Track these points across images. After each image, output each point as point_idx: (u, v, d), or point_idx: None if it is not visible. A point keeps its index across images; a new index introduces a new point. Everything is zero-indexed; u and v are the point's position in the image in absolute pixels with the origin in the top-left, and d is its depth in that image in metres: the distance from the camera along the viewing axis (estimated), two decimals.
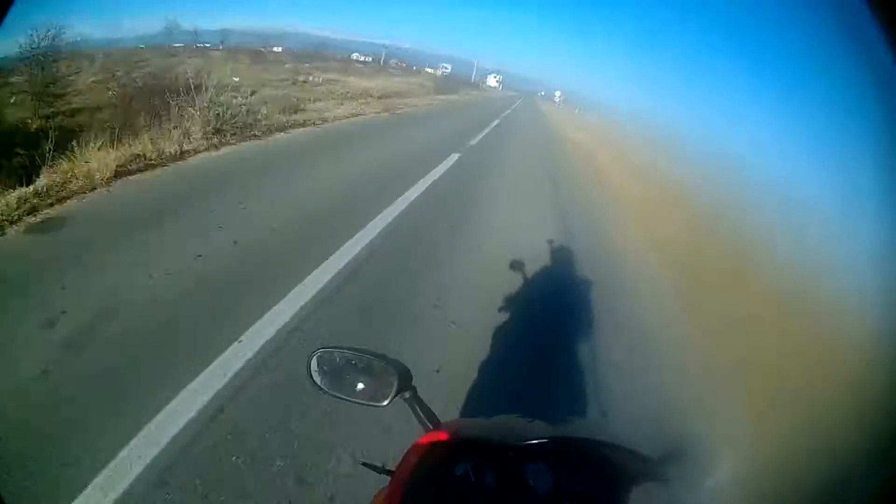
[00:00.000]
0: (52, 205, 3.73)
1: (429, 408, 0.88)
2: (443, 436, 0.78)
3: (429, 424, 0.86)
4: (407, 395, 0.86)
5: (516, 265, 3.73)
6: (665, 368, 2.74)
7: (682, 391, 2.38)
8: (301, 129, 8.12)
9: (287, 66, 17.79)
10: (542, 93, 41.34)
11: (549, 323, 3.14)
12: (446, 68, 41.41)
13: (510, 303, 3.24)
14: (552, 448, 0.71)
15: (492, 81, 41.64)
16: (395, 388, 0.84)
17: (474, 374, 2.44)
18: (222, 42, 20.18)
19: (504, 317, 3.07)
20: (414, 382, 0.88)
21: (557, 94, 32.01)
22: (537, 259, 4.16)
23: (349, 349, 0.88)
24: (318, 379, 0.88)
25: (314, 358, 0.88)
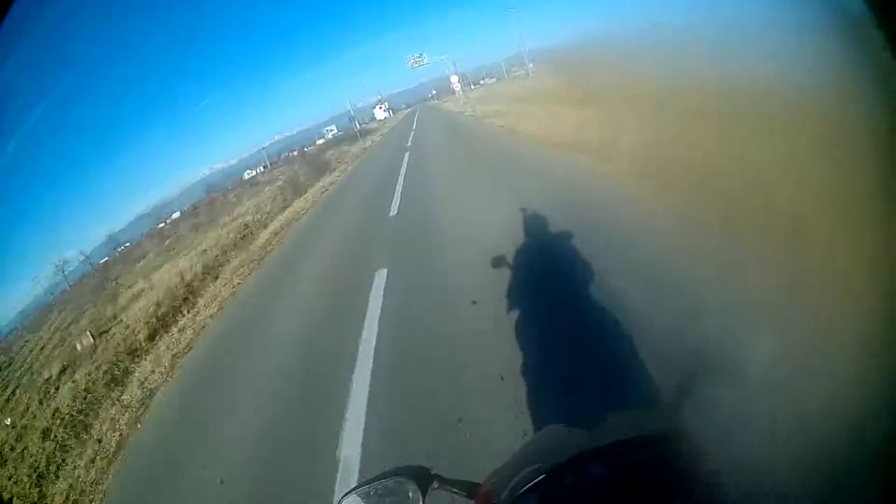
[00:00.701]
0: None
1: (459, 480, 0.92)
2: (488, 495, 0.84)
3: (464, 493, 0.90)
4: (435, 485, 0.90)
5: (498, 262, 3.72)
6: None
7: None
8: None
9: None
10: (434, 91, 35.64)
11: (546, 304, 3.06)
12: (332, 130, 37.07)
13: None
14: (594, 456, 0.78)
15: (379, 114, 36.40)
16: (419, 492, 0.88)
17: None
18: (116, 248, 20.16)
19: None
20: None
21: (454, 80, 25.71)
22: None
23: (363, 485, 0.92)
24: None
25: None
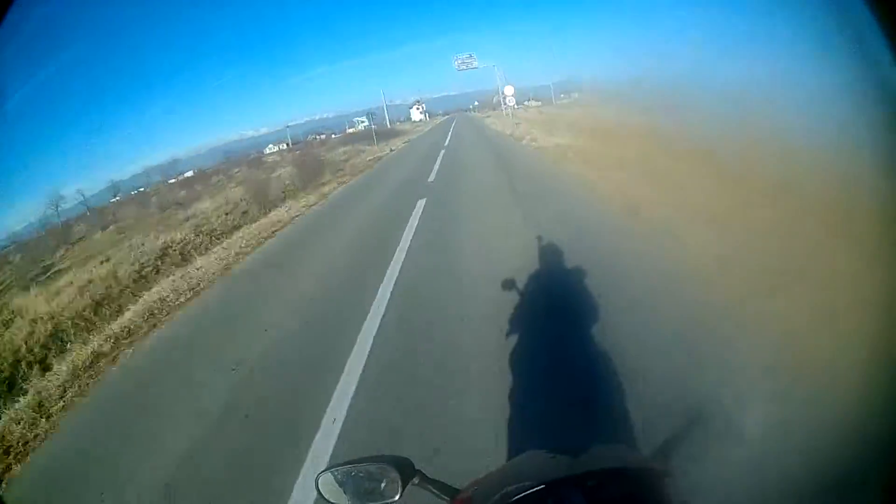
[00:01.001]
0: None
1: (441, 482, 0.91)
2: (465, 503, 0.84)
3: (446, 498, 0.89)
4: (416, 481, 0.89)
5: (508, 284, 3.53)
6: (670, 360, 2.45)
7: (690, 383, 2.22)
8: None
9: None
10: (476, 102, 31.81)
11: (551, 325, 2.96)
12: (363, 122, 33.95)
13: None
14: (575, 483, 0.76)
15: (415, 115, 32.64)
16: (400, 482, 0.87)
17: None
18: (115, 195, 18.76)
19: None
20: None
21: (508, 92, 21.25)
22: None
23: (346, 463, 0.91)
24: (329, 497, 0.90)
25: (319, 480, 0.91)
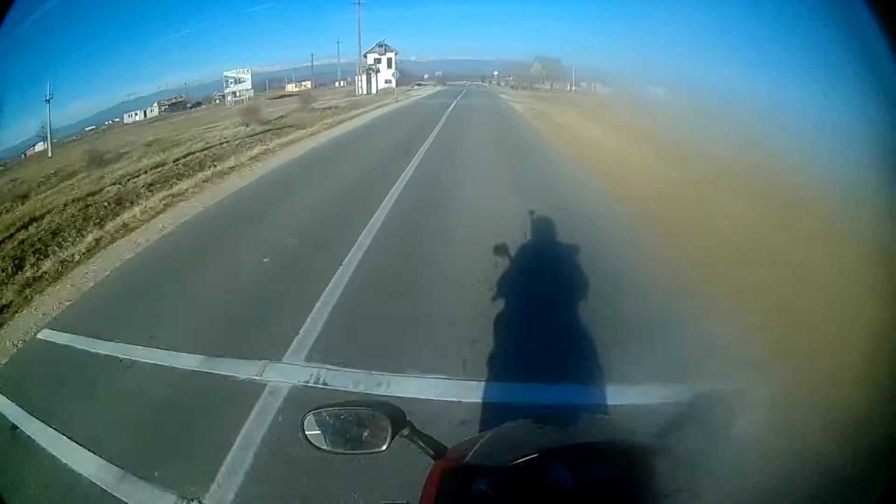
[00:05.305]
0: None
1: (430, 437, 0.93)
2: (451, 463, 0.88)
3: (431, 452, 0.92)
4: (405, 432, 0.91)
5: (500, 249, 3.98)
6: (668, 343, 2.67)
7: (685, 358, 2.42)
8: None
9: None
10: (496, 73, 21.93)
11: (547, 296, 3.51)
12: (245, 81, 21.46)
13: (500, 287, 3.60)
14: (565, 455, 0.79)
15: (379, 80, 18.55)
16: (390, 431, 0.87)
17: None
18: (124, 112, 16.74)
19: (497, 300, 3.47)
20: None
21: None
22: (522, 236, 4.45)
23: (337, 405, 0.93)
24: (314, 440, 0.91)
25: (306, 420, 0.91)
